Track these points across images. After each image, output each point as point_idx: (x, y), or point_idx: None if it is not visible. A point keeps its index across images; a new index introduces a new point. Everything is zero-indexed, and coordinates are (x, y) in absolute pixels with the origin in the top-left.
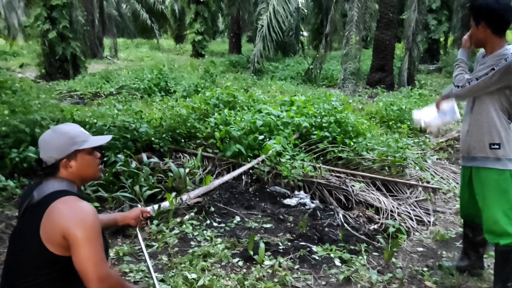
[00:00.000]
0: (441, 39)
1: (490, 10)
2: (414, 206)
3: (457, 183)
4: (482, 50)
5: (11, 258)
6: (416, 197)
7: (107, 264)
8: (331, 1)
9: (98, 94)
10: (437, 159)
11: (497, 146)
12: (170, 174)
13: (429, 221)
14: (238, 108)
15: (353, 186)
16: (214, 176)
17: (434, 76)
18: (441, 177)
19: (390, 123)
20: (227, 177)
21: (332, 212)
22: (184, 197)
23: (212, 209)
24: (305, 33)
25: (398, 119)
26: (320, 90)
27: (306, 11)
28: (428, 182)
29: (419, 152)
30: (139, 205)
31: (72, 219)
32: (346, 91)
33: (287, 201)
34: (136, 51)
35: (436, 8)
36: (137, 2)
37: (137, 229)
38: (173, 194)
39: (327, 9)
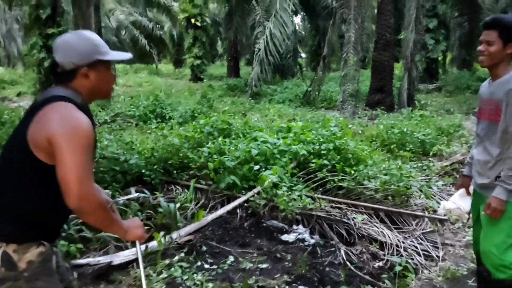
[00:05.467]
0: (440, 58)
1: None
2: (421, 239)
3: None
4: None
5: (1, 157)
6: (423, 229)
7: (93, 183)
8: (328, 23)
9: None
10: (442, 185)
11: None
12: (160, 209)
13: (438, 256)
14: (233, 136)
15: (355, 218)
16: (207, 209)
17: (434, 96)
18: None
19: (392, 146)
20: (220, 211)
21: (333, 249)
22: (174, 235)
23: (204, 248)
24: (303, 55)
25: (400, 142)
26: (319, 113)
27: (303, 33)
28: (434, 211)
29: (423, 178)
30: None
31: (60, 125)
32: (345, 113)
33: (284, 237)
34: (135, 76)
35: (433, 27)
36: (135, 28)
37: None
38: (162, 233)
39: (324, 31)
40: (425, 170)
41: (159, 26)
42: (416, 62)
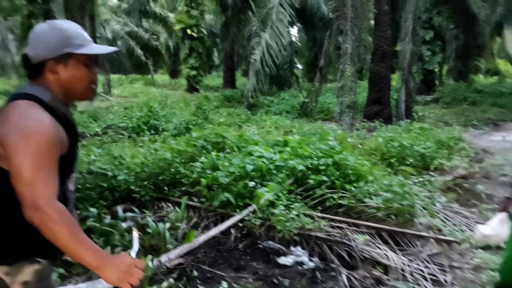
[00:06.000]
0: (436, 70)
1: None
2: (427, 262)
3: (471, 230)
4: None
5: None
6: (430, 250)
7: (55, 192)
8: (324, 34)
9: (83, 134)
10: (446, 201)
11: None
12: (149, 230)
13: (446, 281)
14: (228, 150)
15: (356, 239)
16: (200, 229)
17: (431, 107)
18: (454, 224)
19: (392, 160)
20: (213, 231)
21: (334, 273)
22: (163, 258)
23: (195, 273)
24: (300, 66)
25: (400, 156)
26: (317, 125)
27: (299, 44)
28: (439, 230)
29: (426, 195)
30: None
31: (13, 125)
32: (343, 125)
33: (282, 260)
34: (130, 87)
35: (430, 39)
36: (131, 38)
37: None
38: (149, 257)
39: (321, 42)
40: (426, 185)
41: (155, 36)
42: (413, 73)
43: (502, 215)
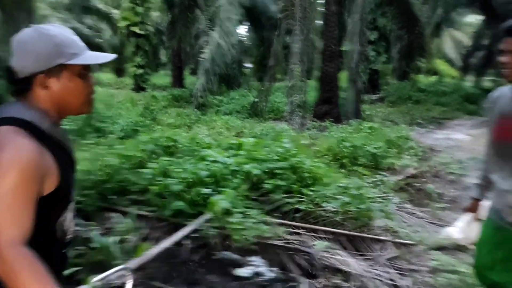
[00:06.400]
0: (381, 69)
1: None
2: (387, 266)
3: (427, 231)
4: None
5: None
6: (388, 254)
7: (22, 234)
8: (273, 34)
9: None
10: (399, 202)
11: None
12: (94, 244)
13: (407, 286)
14: (180, 154)
15: (315, 245)
16: (151, 241)
17: (378, 106)
18: (409, 225)
19: (344, 161)
20: (165, 243)
21: (294, 283)
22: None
23: None
24: (249, 65)
25: (352, 156)
26: (268, 125)
27: (249, 43)
28: (395, 232)
29: (381, 196)
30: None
31: None
32: (294, 125)
33: (239, 272)
34: None
35: (375, 39)
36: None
37: None
38: (94, 277)
39: (269, 41)
40: (379, 185)
41: (99, 34)
42: (360, 73)
43: (469, 216)
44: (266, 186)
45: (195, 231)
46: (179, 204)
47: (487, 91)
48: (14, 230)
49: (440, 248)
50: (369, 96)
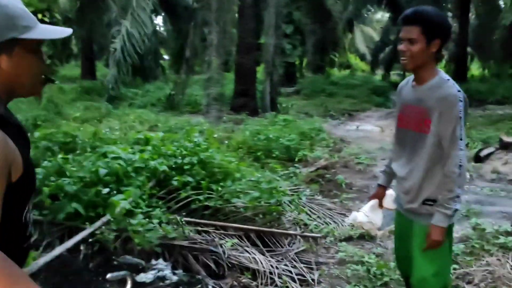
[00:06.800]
0: (297, 63)
1: (448, 26)
2: (295, 261)
3: (335, 222)
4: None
5: None
6: (297, 248)
7: None
8: (190, 25)
9: None
10: (310, 194)
11: (432, 203)
12: None
13: (313, 280)
14: (80, 151)
15: (224, 244)
16: (42, 249)
17: (294, 99)
18: (318, 216)
19: (258, 154)
20: (57, 250)
21: (199, 285)
22: None
23: None
24: (166, 57)
25: (266, 149)
26: (183, 118)
27: (165, 34)
28: (305, 225)
29: (292, 188)
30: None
31: None
32: (210, 118)
33: (140, 277)
34: None
35: (290, 33)
36: None
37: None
38: None
39: (186, 32)
40: (292, 177)
41: None
42: (276, 66)
43: (374, 202)
44: (173, 183)
45: (92, 235)
46: (75, 206)
47: (394, 84)
48: None
49: (348, 239)
50: (286, 88)
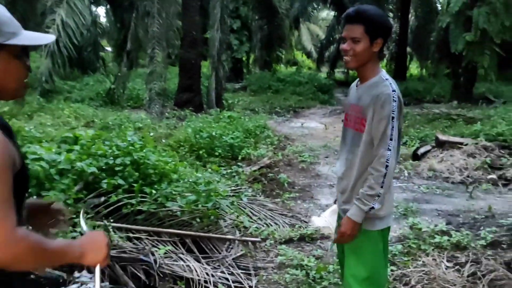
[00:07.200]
0: (244, 58)
1: (389, 26)
2: (233, 267)
3: (276, 223)
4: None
5: None
6: (235, 253)
7: (14, 220)
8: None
9: None
10: (252, 194)
11: None
12: None
13: (250, 286)
14: None
15: (157, 251)
16: None
17: (240, 95)
18: (259, 218)
19: (201, 152)
20: None
21: None
22: None
23: None
24: (109, 49)
25: (209, 147)
26: (123, 114)
27: (108, 25)
28: (245, 228)
29: (233, 188)
30: None
31: None
32: (152, 113)
33: None
34: None
35: (237, 28)
36: None
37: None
38: None
39: (129, 23)
40: (234, 176)
41: None
42: (223, 61)
43: (334, 207)
44: (103, 185)
45: None
46: None
47: (338, 82)
48: (13, 220)
49: (288, 241)
50: (233, 84)
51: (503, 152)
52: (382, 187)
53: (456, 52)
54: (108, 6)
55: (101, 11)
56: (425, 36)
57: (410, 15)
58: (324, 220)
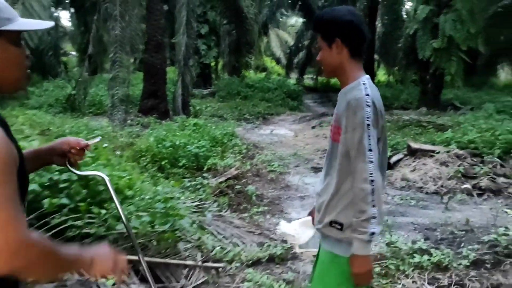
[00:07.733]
0: (212, 64)
1: (344, 21)
2: None
3: (243, 242)
4: None
5: None
6: (196, 280)
7: (25, 223)
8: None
9: None
10: (217, 209)
11: (339, 226)
12: None
13: None
14: None
15: (104, 282)
16: None
17: (208, 101)
18: (224, 237)
19: (163, 162)
20: None
21: None
22: None
23: None
24: (74, 53)
25: (172, 157)
26: (82, 122)
27: (72, 28)
28: (208, 250)
29: (197, 204)
30: None
31: None
32: (115, 121)
33: None
34: None
35: (205, 33)
36: None
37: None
38: None
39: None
40: (199, 189)
41: None
42: (190, 66)
43: (307, 219)
44: (45, 205)
45: None
46: None
47: (307, 88)
48: (23, 224)
49: (256, 263)
50: (201, 90)
51: (475, 160)
52: (374, 206)
53: (423, 58)
54: (71, 9)
55: (65, 14)
56: (392, 43)
57: (377, 22)
58: (293, 229)
